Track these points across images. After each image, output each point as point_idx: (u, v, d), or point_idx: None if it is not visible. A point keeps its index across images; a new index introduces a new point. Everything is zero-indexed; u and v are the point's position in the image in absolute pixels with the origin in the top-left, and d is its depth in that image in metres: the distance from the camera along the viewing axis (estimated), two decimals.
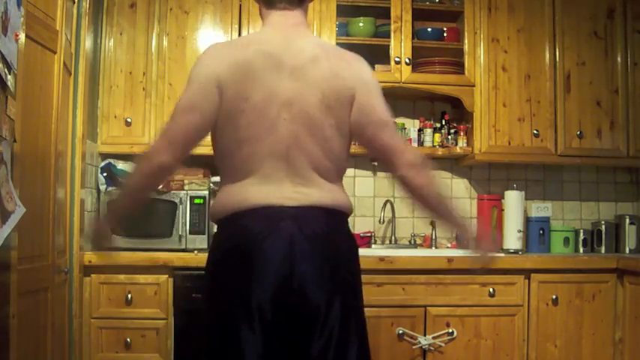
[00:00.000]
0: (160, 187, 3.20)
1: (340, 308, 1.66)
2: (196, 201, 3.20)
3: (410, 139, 3.57)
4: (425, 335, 2.95)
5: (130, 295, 2.92)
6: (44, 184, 2.32)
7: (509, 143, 3.43)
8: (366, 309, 1.84)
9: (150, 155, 1.72)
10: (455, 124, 3.59)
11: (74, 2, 2.74)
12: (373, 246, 3.59)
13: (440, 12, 3.57)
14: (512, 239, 3.38)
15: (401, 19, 3.39)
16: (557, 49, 3.48)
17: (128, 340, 2.91)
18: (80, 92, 2.83)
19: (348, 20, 3.49)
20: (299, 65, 1.71)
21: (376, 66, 3.36)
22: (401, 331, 2.94)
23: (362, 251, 1.88)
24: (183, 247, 3.16)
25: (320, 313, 1.63)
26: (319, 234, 1.67)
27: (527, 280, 3.07)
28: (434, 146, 3.58)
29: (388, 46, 3.39)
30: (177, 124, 1.71)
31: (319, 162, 1.73)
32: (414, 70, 3.40)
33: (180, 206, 3.19)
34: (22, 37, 1.90)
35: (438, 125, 3.62)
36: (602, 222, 3.67)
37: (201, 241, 3.18)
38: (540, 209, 3.61)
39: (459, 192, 3.76)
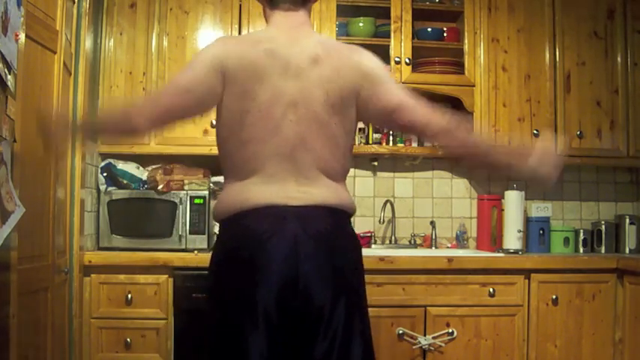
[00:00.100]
0: (160, 187, 3.21)
1: (344, 309, 1.65)
2: (196, 201, 3.20)
3: (410, 139, 3.57)
4: (425, 335, 2.95)
5: (130, 295, 2.92)
6: (44, 184, 2.32)
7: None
8: None
9: (130, 115, 1.74)
10: None
11: (74, 2, 2.74)
12: (373, 246, 3.59)
13: (440, 12, 3.57)
14: (512, 239, 3.38)
15: (401, 19, 3.39)
16: (557, 49, 3.48)
17: (128, 340, 2.91)
18: (80, 92, 2.83)
19: (348, 20, 3.49)
20: (303, 66, 1.71)
21: None
22: (401, 331, 2.94)
23: (362, 251, 1.88)
24: (183, 247, 3.16)
25: (324, 314, 1.63)
26: (323, 233, 1.67)
27: (527, 280, 3.07)
28: (434, 146, 3.57)
29: (388, 46, 3.39)
30: (167, 102, 1.72)
31: (324, 161, 1.73)
32: (414, 70, 3.40)
33: (180, 206, 3.19)
34: (22, 37, 1.90)
35: None
36: (602, 222, 3.67)
37: (201, 241, 3.18)
38: (540, 209, 3.61)
39: (459, 192, 3.76)
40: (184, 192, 3.22)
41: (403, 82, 3.36)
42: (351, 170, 3.65)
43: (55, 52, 2.38)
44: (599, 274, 3.13)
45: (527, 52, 3.47)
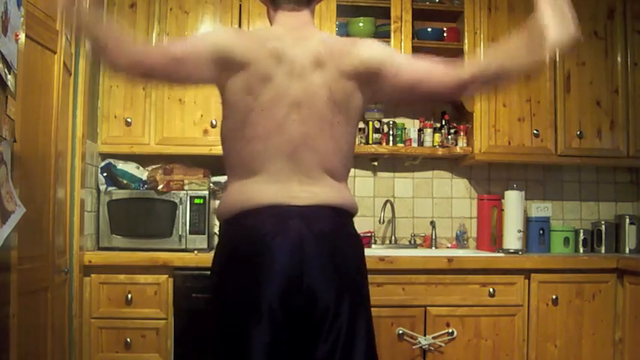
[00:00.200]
0: (160, 187, 3.21)
1: (348, 309, 1.65)
2: (196, 201, 3.20)
3: (410, 139, 3.57)
4: (425, 335, 2.95)
5: (130, 295, 2.93)
6: (44, 184, 2.32)
7: (509, 143, 3.43)
8: None
9: (118, 48, 1.66)
10: (455, 124, 3.59)
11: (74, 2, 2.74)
12: (373, 246, 3.59)
13: (440, 12, 3.57)
14: (512, 239, 3.38)
15: (401, 19, 3.39)
16: (557, 49, 3.47)
17: (128, 340, 2.91)
18: (80, 92, 2.83)
19: (348, 20, 3.49)
20: (307, 66, 1.70)
21: None
22: (401, 331, 2.94)
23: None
24: (183, 247, 3.16)
25: (328, 314, 1.63)
26: (327, 233, 1.66)
27: (527, 280, 3.07)
28: (434, 146, 3.58)
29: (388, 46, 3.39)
30: (155, 61, 1.69)
31: (328, 161, 1.73)
32: None
33: (180, 206, 3.19)
34: (22, 37, 1.90)
35: (438, 125, 3.62)
36: (602, 222, 3.67)
37: (201, 241, 3.18)
38: (540, 209, 3.61)
39: (459, 192, 3.76)
40: (184, 192, 3.22)
41: None
42: (351, 170, 3.65)
43: (55, 52, 2.38)
44: (599, 274, 3.13)
45: None
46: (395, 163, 3.73)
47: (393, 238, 3.66)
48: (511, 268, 3.06)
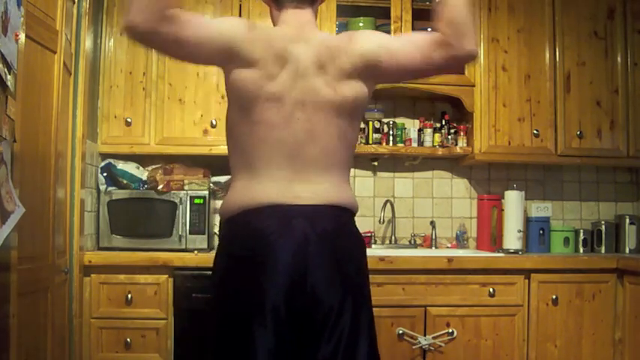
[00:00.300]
0: (160, 187, 3.21)
1: (351, 309, 1.65)
2: (196, 201, 3.20)
3: (410, 139, 3.57)
4: (425, 335, 2.95)
5: (130, 295, 2.93)
6: (44, 184, 2.32)
7: (509, 143, 3.43)
8: None
9: (142, 5, 1.56)
10: (455, 124, 3.59)
11: (74, 2, 2.74)
12: (373, 246, 3.59)
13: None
14: (512, 239, 3.38)
15: (401, 19, 3.39)
16: (557, 49, 3.48)
17: (128, 340, 2.91)
18: (80, 92, 2.83)
19: (348, 20, 3.49)
20: (310, 67, 1.71)
21: None
22: (401, 331, 2.94)
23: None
24: (183, 247, 3.16)
25: (332, 314, 1.63)
26: (330, 233, 1.66)
27: (527, 280, 3.07)
28: (434, 146, 3.58)
29: None
30: (177, 37, 1.62)
31: (331, 158, 1.73)
32: None
33: (180, 206, 3.19)
34: (22, 37, 1.90)
35: (438, 125, 3.62)
36: (602, 222, 3.67)
37: (201, 241, 3.18)
38: (540, 209, 3.61)
39: (459, 192, 3.76)
40: (184, 192, 3.22)
41: (403, 82, 3.36)
42: (351, 170, 3.66)
43: (55, 52, 2.38)
44: (599, 274, 3.13)
45: (527, 52, 3.47)
46: (395, 163, 3.73)
47: (393, 238, 3.66)
48: (511, 268, 3.06)
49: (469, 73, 3.42)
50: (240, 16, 3.32)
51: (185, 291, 2.93)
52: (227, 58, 1.69)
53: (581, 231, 3.62)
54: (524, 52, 3.46)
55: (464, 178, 3.77)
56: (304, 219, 1.65)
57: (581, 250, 3.61)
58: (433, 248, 3.61)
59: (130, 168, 3.29)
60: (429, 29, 3.59)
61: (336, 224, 1.69)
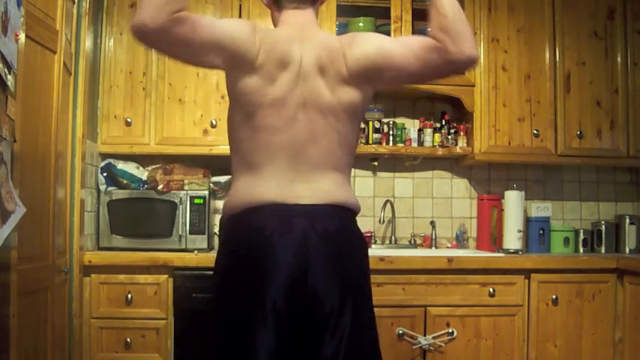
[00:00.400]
0: (160, 187, 3.21)
1: (352, 308, 1.65)
2: (196, 201, 3.20)
3: (410, 139, 3.57)
4: (425, 335, 2.95)
5: (130, 295, 2.92)
6: (44, 184, 2.32)
7: (509, 143, 3.43)
8: None
9: (154, 5, 1.56)
10: (455, 124, 3.59)
11: (74, 2, 2.74)
12: (373, 246, 3.59)
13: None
14: (512, 239, 3.38)
15: (401, 19, 3.39)
16: (557, 49, 3.48)
17: (128, 340, 2.91)
18: (80, 92, 2.83)
19: (348, 20, 3.49)
20: (311, 69, 1.71)
21: None
22: (401, 331, 2.94)
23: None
24: (183, 247, 3.16)
25: (333, 314, 1.63)
26: (331, 232, 1.66)
27: (527, 280, 3.07)
28: (434, 146, 3.58)
29: None
30: (183, 40, 1.62)
31: (333, 159, 1.73)
32: None
33: (180, 206, 3.19)
34: (22, 37, 1.90)
35: (438, 125, 3.62)
36: (602, 222, 3.67)
37: (201, 241, 3.18)
38: (540, 209, 3.61)
39: (459, 192, 3.76)
40: (184, 192, 3.22)
41: None
42: (352, 170, 3.67)
43: (55, 52, 2.38)
44: (599, 274, 3.13)
45: (527, 52, 3.47)
46: (395, 163, 3.73)
47: (393, 238, 3.66)
48: (511, 268, 3.06)
49: (469, 73, 3.42)
50: (240, 16, 3.32)
51: (185, 291, 2.93)
52: (231, 62, 1.68)
53: (581, 231, 3.62)
54: (524, 52, 3.46)
55: (464, 178, 3.77)
56: (305, 218, 1.65)
57: (581, 250, 3.61)
58: (433, 248, 3.61)
59: (130, 168, 3.29)
60: (429, 29, 3.59)
61: (337, 224, 1.69)
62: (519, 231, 3.38)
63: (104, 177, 3.24)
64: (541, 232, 3.56)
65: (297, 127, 1.69)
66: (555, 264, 3.12)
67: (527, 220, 3.61)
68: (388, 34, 3.39)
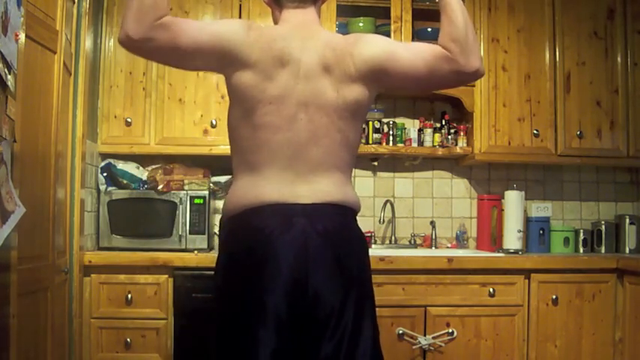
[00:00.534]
0: (160, 187, 3.21)
1: (353, 308, 1.65)
2: (196, 201, 3.20)
3: (410, 139, 3.57)
4: (425, 335, 2.95)
5: (130, 295, 2.92)
6: (44, 184, 2.32)
7: (509, 143, 3.43)
8: None
9: (141, 11, 1.57)
10: (455, 124, 3.59)
11: (74, 2, 2.74)
12: (373, 246, 3.59)
13: (440, 12, 3.56)
14: (512, 239, 3.38)
15: (401, 19, 3.39)
16: (557, 49, 3.48)
17: (128, 340, 2.91)
18: (80, 92, 2.83)
19: (348, 20, 3.49)
20: (314, 69, 1.70)
21: None
22: (401, 331, 2.94)
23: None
24: (183, 247, 3.16)
25: (334, 314, 1.63)
26: (332, 232, 1.66)
27: (527, 280, 3.07)
28: (434, 146, 3.58)
29: None
30: (171, 45, 1.61)
31: (334, 158, 1.73)
32: None
33: (180, 206, 3.19)
34: (22, 37, 1.90)
35: (438, 125, 3.62)
36: (602, 222, 3.67)
37: (201, 241, 3.18)
38: (540, 209, 3.61)
39: (459, 192, 3.76)
40: (184, 192, 3.22)
41: None
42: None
43: (55, 52, 2.38)
44: (599, 274, 3.13)
45: (527, 52, 3.47)
46: (395, 163, 3.73)
47: (393, 238, 3.66)
48: (511, 268, 3.06)
49: None
50: (240, 16, 3.32)
51: (185, 291, 2.93)
52: (225, 62, 1.68)
53: (581, 231, 3.62)
54: (524, 52, 3.46)
55: (464, 178, 3.77)
56: (305, 218, 1.65)
57: (581, 250, 3.61)
58: (433, 248, 3.61)
59: (130, 168, 3.29)
60: (429, 30, 3.61)
61: (337, 223, 1.69)
62: (519, 231, 3.38)
63: (104, 177, 3.24)
64: (541, 232, 3.56)
65: (298, 126, 1.69)
66: (555, 264, 3.12)
67: (527, 220, 3.61)
68: (388, 34, 3.39)
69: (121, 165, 3.28)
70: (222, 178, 3.37)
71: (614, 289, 3.12)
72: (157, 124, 3.27)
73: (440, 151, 3.57)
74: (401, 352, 2.93)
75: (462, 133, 3.52)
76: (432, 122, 3.62)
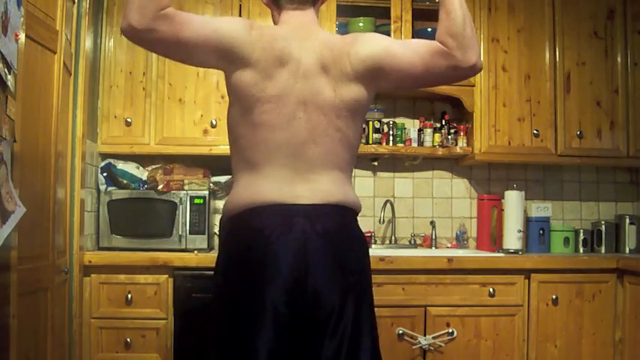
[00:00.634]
0: (160, 187, 3.21)
1: (353, 308, 1.65)
2: (196, 201, 3.20)
3: (410, 139, 3.57)
4: (425, 335, 2.95)
5: (130, 295, 2.92)
6: (44, 184, 2.32)
7: (509, 143, 3.43)
8: None
9: (149, 8, 1.56)
10: (455, 124, 3.59)
11: (74, 2, 2.74)
12: (373, 246, 3.59)
13: (439, 8, 3.56)
14: (512, 239, 3.38)
15: (401, 19, 3.39)
16: (557, 49, 3.48)
17: (128, 340, 2.91)
18: (80, 92, 2.83)
19: (348, 20, 3.49)
20: (312, 68, 1.70)
21: None
22: (401, 331, 2.94)
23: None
24: (183, 247, 3.16)
25: (333, 314, 1.63)
26: (331, 232, 1.66)
27: (527, 280, 3.07)
28: (434, 146, 3.58)
29: None
30: (173, 38, 1.61)
31: (333, 160, 1.73)
32: None
33: (180, 206, 3.19)
34: (22, 37, 1.90)
35: (438, 125, 3.62)
36: (602, 222, 3.67)
37: (201, 241, 3.18)
38: (540, 209, 3.61)
39: (459, 192, 3.76)
40: (184, 192, 3.22)
41: None
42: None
43: (55, 52, 2.38)
44: (599, 274, 3.13)
45: (527, 52, 3.47)
46: (395, 163, 3.73)
47: (393, 238, 3.66)
48: (511, 268, 3.06)
49: None
50: (240, 16, 3.32)
51: (185, 291, 2.93)
52: (226, 59, 1.68)
53: (581, 231, 3.62)
54: (524, 52, 3.46)
55: (464, 178, 3.77)
56: (305, 218, 1.65)
57: (581, 250, 3.61)
58: (433, 248, 3.61)
59: (130, 168, 3.29)
60: (429, 29, 3.61)
61: (337, 223, 1.69)
62: (519, 231, 3.38)
63: (104, 177, 3.24)
64: (541, 232, 3.56)
65: (297, 125, 1.69)
66: (555, 264, 3.12)
67: (527, 220, 3.61)
68: (388, 34, 3.39)
69: (121, 165, 3.28)
70: (222, 178, 3.37)
71: (614, 289, 3.12)
72: (157, 124, 3.27)
73: (440, 151, 3.57)
74: (401, 352, 2.93)
75: (462, 133, 3.52)
76: (432, 122, 3.62)
